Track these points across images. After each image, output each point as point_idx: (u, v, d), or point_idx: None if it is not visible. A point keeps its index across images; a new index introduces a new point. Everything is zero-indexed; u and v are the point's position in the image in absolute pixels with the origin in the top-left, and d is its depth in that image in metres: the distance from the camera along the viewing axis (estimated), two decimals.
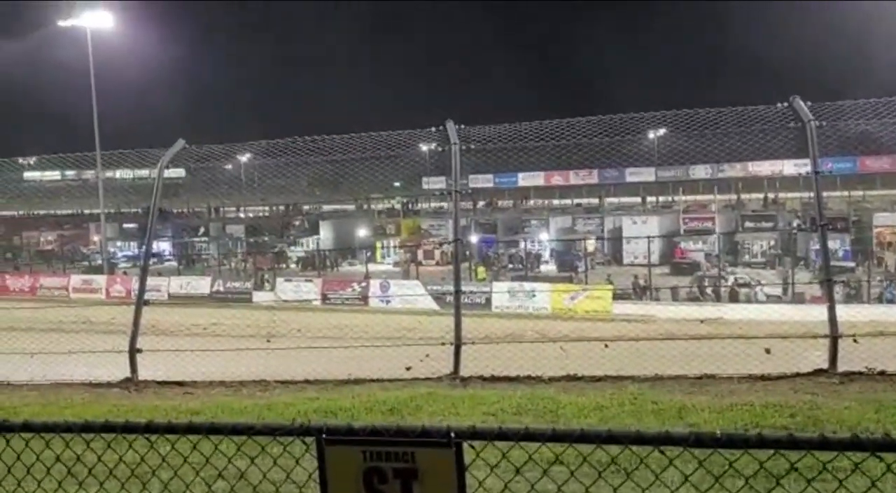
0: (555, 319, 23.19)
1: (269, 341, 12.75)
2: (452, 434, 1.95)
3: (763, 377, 7.62)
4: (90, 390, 9.40)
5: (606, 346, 9.23)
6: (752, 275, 31.60)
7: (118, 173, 36.41)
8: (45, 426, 2.38)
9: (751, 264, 36.03)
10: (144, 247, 12.80)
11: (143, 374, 9.77)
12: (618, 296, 26.24)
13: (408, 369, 8.86)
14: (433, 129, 9.60)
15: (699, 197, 49.59)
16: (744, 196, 48.34)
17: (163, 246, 40.84)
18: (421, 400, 7.54)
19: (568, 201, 54.24)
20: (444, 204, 49.07)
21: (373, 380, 8.85)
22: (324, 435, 2.07)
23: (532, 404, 7.12)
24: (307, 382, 8.98)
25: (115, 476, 2.67)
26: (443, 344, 8.86)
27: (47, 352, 11.74)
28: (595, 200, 52.11)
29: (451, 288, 9.30)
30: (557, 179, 56.20)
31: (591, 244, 39.30)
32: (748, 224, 40.29)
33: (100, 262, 36.18)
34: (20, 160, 16.03)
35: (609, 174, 50.83)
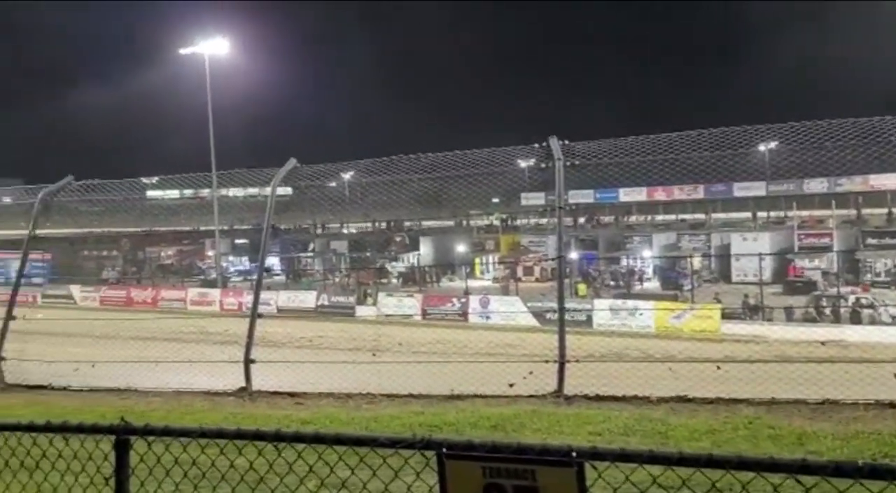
0: (659, 338, 22.51)
1: (374, 354, 12.99)
2: (574, 453, 1.94)
3: (892, 405, 7.12)
4: (208, 399, 9.88)
5: (718, 367, 8.87)
6: (875, 295, 29.61)
7: (231, 191, 38.30)
8: (182, 431, 2.53)
9: (874, 283, 33.82)
10: (258, 262, 13.35)
11: (256, 384, 10.17)
12: (726, 315, 25.21)
13: (511, 385, 8.81)
14: (536, 145, 9.60)
15: (815, 212, 47.12)
16: (865, 211, 45.55)
17: (272, 261, 42.47)
18: (525, 417, 7.49)
19: (672, 217, 52.75)
20: (544, 220, 48.80)
21: (476, 396, 8.87)
22: (445, 450, 2.10)
23: (640, 425, 6.94)
24: (411, 396, 9.10)
25: (245, 480, 2.81)
26: (546, 362, 8.78)
27: (168, 361, 12.36)
28: (701, 216, 50.42)
29: (552, 305, 9.24)
30: (661, 194, 54.68)
31: (696, 261, 38.00)
32: (870, 241, 37.90)
33: (214, 276, 38.04)
34: (144, 180, 17.04)
35: (716, 189, 48.99)
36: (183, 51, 38.71)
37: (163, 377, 11.45)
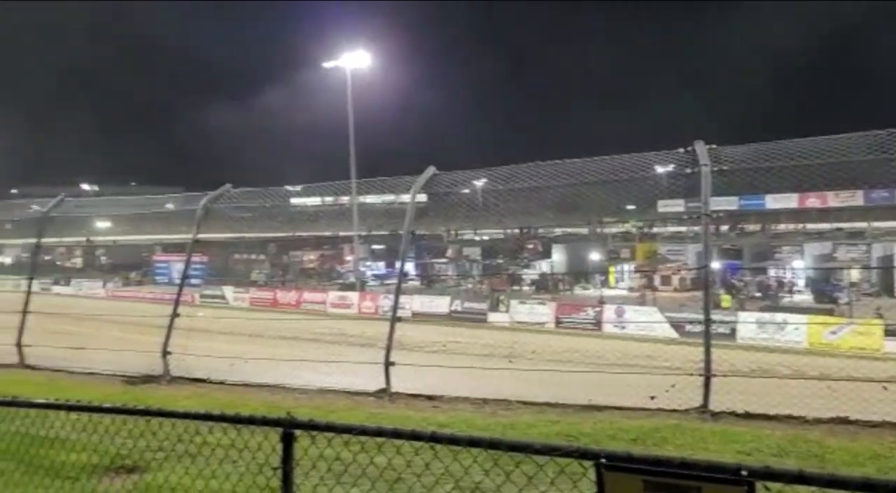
0: (812, 354, 21.06)
1: (511, 361, 13.01)
2: (744, 472, 1.86)
3: None
4: (350, 398, 10.26)
5: (885, 388, 8.18)
6: None
7: (368, 199, 39.79)
8: (345, 427, 2.65)
9: None
10: (396, 266, 13.73)
11: (395, 385, 10.46)
12: (890, 332, 23.18)
13: (652, 398, 8.54)
14: (681, 150, 9.28)
15: None
16: None
17: (407, 266, 43.53)
18: (667, 432, 7.23)
19: (826, 225, 49.19)
20: (682, 228, 46.97)
21: (614, 407, 8.67)
22: (603, 460, 2.07)
23: (794, 446, 6.52)
24: (548, 404, 9.03)
25: (384, 478, 2.91)
26: (690, 375, 8.44)
27: (312, 360, 12.97)
28: (860, 225, 46.69)
29: (693, 316, 8.88)
30: (813, 201, 51.18)
31: (855, 273, 35.23)
32: None
33: (352, 280, 39.52)
34: (288, 188, 17.99)
35: (878, 195, 45.23)
36: (326, 64, 40.58)
37: (307, 376, 12.02)
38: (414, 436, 2.45)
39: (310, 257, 50.82)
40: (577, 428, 7.66)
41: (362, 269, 42.77)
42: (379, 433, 2.56)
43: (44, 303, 16.48)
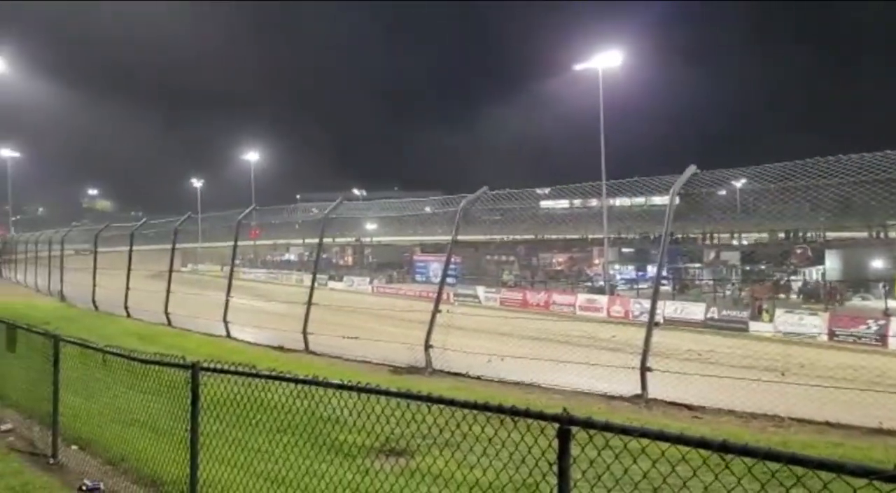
0: None
1: (783, 374, 11.97)
2: None
3: None
4: (604, 401, 10.15)
5: None
6: None
7: (617, 201, 38.98)
8: (623, 428, 2.61)
9: None
10: (650, 270, 13.31)
11: (651, 392, 10.13)
12: None
13: None
14: None
15: None
16: None
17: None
18: None
19: None
20: None
21: None
22: None
23: None
24: (828, 424, 8.17)
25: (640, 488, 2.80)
26: None
27: (564, 361, 12.98)
28: None
29: None
30: None
31: None
32: None
33: (601, 283, 39.01)
34: (537, 191, 18.19)
35: None
36: (577, 67, 40.54)
37: (560, 377, 12.08)
38: (702, 444, 2.34)
39: (558, 260, 51.10)
40: (863, 454, 6.84)
41: (612, 272, 42.05)
42: (661, 436, 2.47)
43: (321, 297, 18.40)
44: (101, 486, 6.57)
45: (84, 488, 6.52)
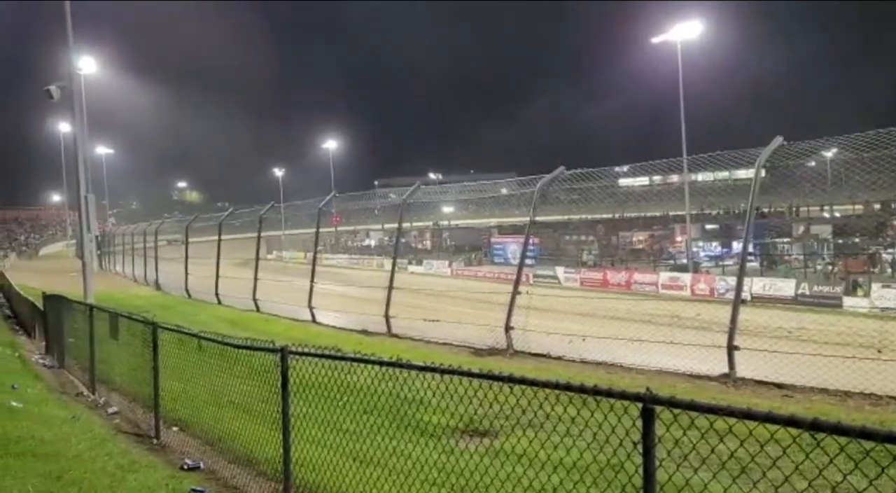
0: None
1: (879, 352, 11.44)
2: None
3: None
4: (690, 381, 9.96)
5: None
6: None
7: (700, 176, 37.83)
8: (709, 407, 2.59)
9: None
10: (737, 247, 12.92)
11: (739, 371, 9.88)
12: None
13: None
14: None
15: None
16: None
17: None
18: None
19: None
20: None
21: None
22: None
23: None
24: None
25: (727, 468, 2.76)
26: None
27: (647, 340, 12.78)
28: None
29: None
30: None
31: None
32: None
33: (684, 261, 38.02)
34: (615, 169, 17.86)
35: None
36: (655, 40, 39.38)
37: (643, 356, 11.91)
38: (792, 422, 2.30)
39: (639, 238, 50.04)
40: None
41: (695, 249, 40.91)
42: (748, 415, 2.43)
43: (401, 280, 18.69)
44: (202, 465, 6.93)
45: (185, 467, 6.90)
